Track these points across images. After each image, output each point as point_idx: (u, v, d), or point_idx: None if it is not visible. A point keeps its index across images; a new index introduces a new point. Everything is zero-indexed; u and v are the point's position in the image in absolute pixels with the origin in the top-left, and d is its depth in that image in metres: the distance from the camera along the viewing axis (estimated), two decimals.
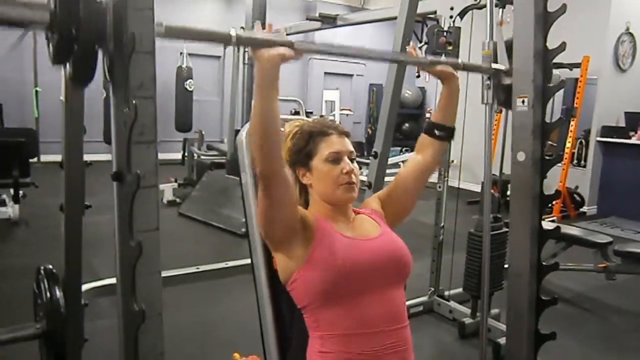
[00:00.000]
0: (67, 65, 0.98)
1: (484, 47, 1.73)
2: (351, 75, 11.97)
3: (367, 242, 1.34)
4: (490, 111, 1.89)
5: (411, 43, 1.53)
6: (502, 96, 1.74)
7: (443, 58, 1.53)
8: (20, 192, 5.00)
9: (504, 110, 3.95)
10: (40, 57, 8.32)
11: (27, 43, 8.47)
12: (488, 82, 1.71)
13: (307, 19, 5.33)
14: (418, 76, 6.14)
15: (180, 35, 1.04)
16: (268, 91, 1.14)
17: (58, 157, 1.87)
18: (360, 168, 1.51)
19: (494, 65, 1.67)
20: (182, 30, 1.04)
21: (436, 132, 1.52)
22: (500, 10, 3.22)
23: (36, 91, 8.24)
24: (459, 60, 1.52)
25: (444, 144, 1.55)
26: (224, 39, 1.04)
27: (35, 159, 6.06)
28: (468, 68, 1.54)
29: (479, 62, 1.73)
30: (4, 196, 5.44)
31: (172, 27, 1.00)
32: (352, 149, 1.41)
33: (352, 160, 1.39)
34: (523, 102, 1.61)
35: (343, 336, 1.25)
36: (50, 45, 0.97)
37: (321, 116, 8.33)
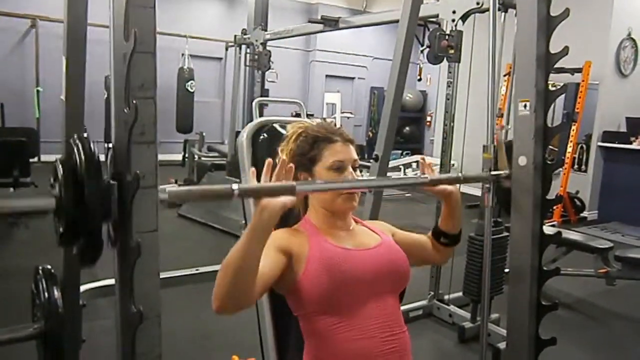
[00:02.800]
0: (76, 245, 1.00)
1: (484, 150, 1.74)
2: (352, 78, 11.97)
3: (364, 252, 1.32)
4: (489, 215, 1.90)
5: (425, 159, 1.52)
6: (502, 198, 1.75)
7: (443, 176, 1.54)
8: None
9: (504, 113, 3.94)
10: (41, 57, 8.34)
11: (29, 43, 8.48)
12: (488, 185, 1.72)
13: (309, 21, 5.32)
14: (419, 79, 6.15)
15: (184, 199, 1.04)
16: (259, 239, 1.06)
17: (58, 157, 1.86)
18: (362, 171, 1.50)
19: (493, 173, 1.67)
20: (185, 194, 1.04)
21: (442, 239, 1.52)
22: (503, 15, 3.22)
23: (37, 91, 8.24)
24: (459, 174, 1.52)
25: (449, 249, 1.55)
26: (227, 194, 1.03)
27: (35, 159, 6.05)
28: (468, 180, 1.55)
29: (479, 169, 1.74)
30: None
31: (174, 193, 1.00)
32: (356, 157, 1.38)
33: (355, 169, 1.37)
34: (525, 106, 1.60)
35: (338, 345, 1.24)
36: (60, 229, 0.98)
37: (323, 119, 8.32)
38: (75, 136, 0.99)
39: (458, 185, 1.52)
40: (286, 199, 1.07)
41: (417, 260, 1.52)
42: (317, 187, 1.31)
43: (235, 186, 1.03)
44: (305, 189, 1.23)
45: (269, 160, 1.10)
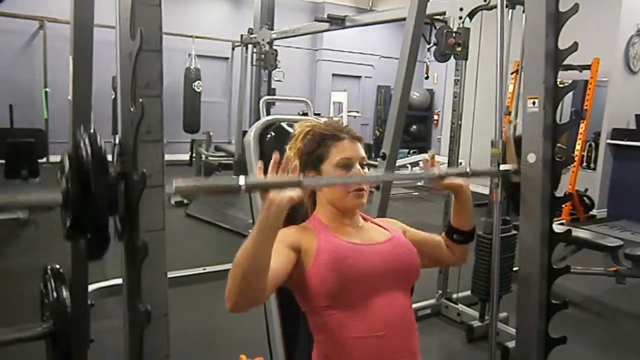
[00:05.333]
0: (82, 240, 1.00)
1: (492, 145, 1.72)
2: (359, 77, 11.95)
3: (372, 247, 1.32)
4: (498, 211, 1.88)
5: (430, 153, 1.51)
6: (511, 193, 1.73)
7: (451, 170, 1.52)
8: None
9: (512, 110, 3.91)
10: (49, 58, 8.38)
11: (37, 44, 8.53)
12: (496, 180, 1.70)
13: (315, 20, 5.32)
14: (427, 77, 6.13)
15: (191, 195, 1.04)
16: (268, 233, 1.06)
17: None
18: (369, 169, 1.50)
19: (502, 167, 1.65)
20: (192, 189, 1.04)
21: (455, 236, 1.50)
22: (510, 12, 3.20)
23: (45, 92, 8.28)
24: (467, 169, 1.50)
25: (464, 246, 1.53)
26: (233, 189, 1.02)
27: (44, 159, 6.09)
28: (476, 174, 1.53)
29: (487, 166, 1.72)
30: None
31: (182, 187, 1.00)
32: (363, 154, 1.38)
33: (363, 166, 1.36)
34: (534, 103, 1.59)
35: (348, 340, 1.23)
36: (67, 224, 0.98)
37: (330, 117, 8.31)
38: (82, 130, 0.99)
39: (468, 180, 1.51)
40: (293, 192, 1.07)
41: (430, 260, 1.50)
42: (324, 182, 1.31)
43: (242, 180, 1.02)
44: (312, 183, 1.23)
45: (275, 156, 1.10)
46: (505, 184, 1.73)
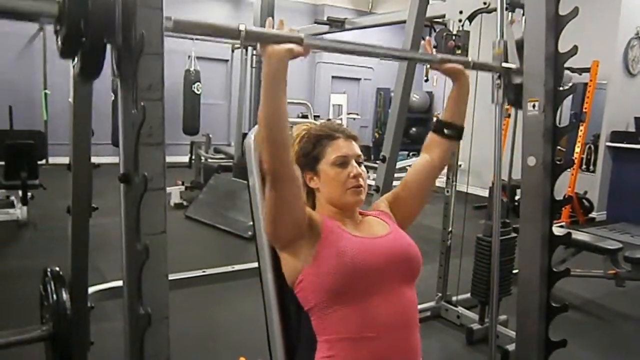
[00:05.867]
0: (75, 59, 0.98)
1: (494, 46, 1.70)
2: (359, 79, 11.95)
3: (376, 240, 1.33)
4: (500, 111, 1.87)
5: (427, 38, 1.52)
6: (512, 95, 1.72)
7: (453, 56, 1.52)
8: (29, 194, 5.02)
9: (512, 114, 3.92)
10: (49, 60, 8.39)
11: (37, 46, 8.53)
12: (498, 81, 1.69)
13: (315, 22, 5.33)
14: (426, 80, 6.13)
15: (188, 30, 1.05)
16: (275, 86, 1.15)
17: (66, 160, 1.87)
18: (368, 172, 1.50)
19: (504, 64, 1.64)
20: (190, 25, 1.06)
21: (445, 131, 1.52)
22: (510, 13, 3.21)
23: (45, 94, 8.29)
24: (469, 59, 1.51)
25: (453, 143, 1.54)
26: (232, 34, 1.05)
27: (43, 161, 6.09)
28: (478, 67, 1.53)
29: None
30: (12, 198, 5.47)
31: (180, 22, 1.02)
32: (359, 152, 1.40)
33: (359, 164, 1.38)
34: (534, 106, 1.59)
35: (351, 340, 1.23)
36: (59, 38, 0.97)
37: (328, 120, 8.31)
38: None
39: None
40: (293, 45, 1.14)
41: (423, 183, 1.51)
42: (325, 44, 1.32)
43: (242, 27, 1.05)
44: (314, 43, 1.25)
45: (281, 20, 1.21)
46: (506, 86, 1.69)
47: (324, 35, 9.11)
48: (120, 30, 0.95)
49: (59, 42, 0.97)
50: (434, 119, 11.84)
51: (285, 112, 1.18)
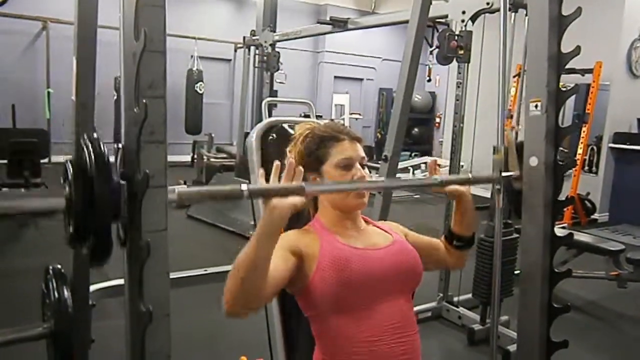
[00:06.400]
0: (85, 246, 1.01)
1: (494, 151, 1.72)
2: (361, 79, 11.96)
3: (376, 252, 1.32)
4: (499, 217, 1.88)
5: (433, 159, 1.52)
6: (513, 200, 1.73)
7: (453, 177, 1.53)
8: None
9: (515, 115, 3.92)
10: (52, 58, 8.40)
11: (40, 45, 8.55)
12: (498, 186, 1.70)
13: (318, 22, 5.33)
14: (429, 80, 6.14)
15: (193, 200, 1.06)
16: (269, 239, 1.07)
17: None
18: (370, 172, 1.50)
19: (504, 174, 1.66)
20: (195, 194, 1.06)
21: (455, 242, 1.50)
22: (513, 15, 3.20)
23: (48, 92, 8.30)
24: (469, 176, 1.51)
25: (464, 252, 1.53)
26: (236, 194, 1.04)
27: (46, 160, 6.10)
28: (478, 181, 1.55)
29: (489, 170, 1.72)
30: None
31: (184, 193, 1.02)
32: (363, 154, 1.38)
33: (363, 166, 1.37)
34: (536, 106, 1.59)
35: (349, 346, 1.23)
36: (71, 228, 0.99)
37: (331, 120, 8.31)
38: (86, 136, 0.99)
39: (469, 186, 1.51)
40: (296, 200, 1.08)
41: (432, 264, 1.51)
42: (326, 188, 1.31)
43: (244, 187, 1.03)
44: (314, 190, 1.23)
45: (277, 163, 1.11)
46: (507, 190, 1.73)
47: (325, 39, 9.15)
48: (126, 211, 1.00)
49: (69, 233, 1.00)
50: (437, 119, 11.85)
51: (268, 268, 1.09)
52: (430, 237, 1.54)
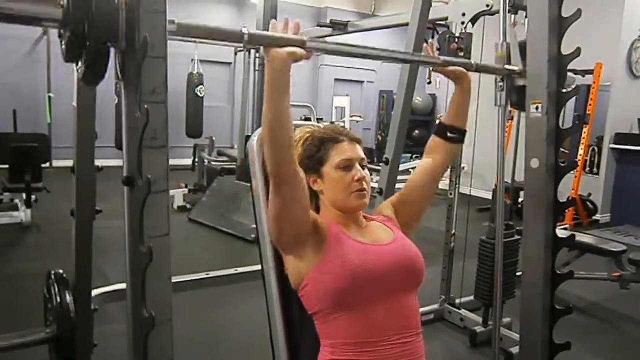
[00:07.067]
0: (80, 64, 0.98)
1: (497, 48, 1.71)
2: (362, 82, 11.96)
3: (380, 248, 1.32)
4: (503, 114, 1.87)
5: (429, 40, 1.52)
6: (515, 98, 1.72)
7: (456, 59, 1.52)
8: (33, 197, 5.04)
9: (515, 116, 3.92)
10: (53, 63, 8.42)
11: (41, 50, 8.57)
12: (501, 83, 1.69)
13: (318, 25, 5.33)
14: (429, 82, 6.14)
15: (192, 33, 1.06)
16: (279, 90, 1.15)
17: (70, 163, 1.87)
18: (371, 174, 1.50)
19: (507, 67, 1.64)
20: (194, 28, 1.07)
21: (449, 134, 1.51)
22: (513, 16, 3.21)
23: (49, 97, 8.31)
24: (472, 62, 1.51)
25: (456, 146, 1.54)
26: (235, 37, 1.05)
27: (47, 164, 6.11)
28: (481, 69, 1.53)
29: (492, 63, 1.70)
30: (17, 201, 5.49)
31: (183, 25, 1.02)
32: (363, 155, 1.40)
33: (363, 167, 1.38)
34: (537, 108, 1.59)
35: (354, 344, 1.23)
36: (63, 42, 0.97)
37: (332, 122, 8.32)
38: None
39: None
40: (296, 49, 1.15)
41: (427, 187, 1.51)
42: (328, 47, 1.32)
43: (245, 30, 1.05)
44: (316, 47, 1.25)
45: (286, 18, 1.21)
46: (509, 89, 1.69)
47: (327, 38, 9.14)
48: (124, 35, 0.95)
49: (63, 46, 0.97)
50: (437, 121, 11.85)
51: (288, 115, 1.18)
52: (411, 176, 1.55)
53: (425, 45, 1.52)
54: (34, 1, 0.96)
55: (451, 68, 1.48)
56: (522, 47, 1.65)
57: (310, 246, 1.27)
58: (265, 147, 1.21)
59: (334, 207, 1.38)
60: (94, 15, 0.91)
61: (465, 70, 1.49)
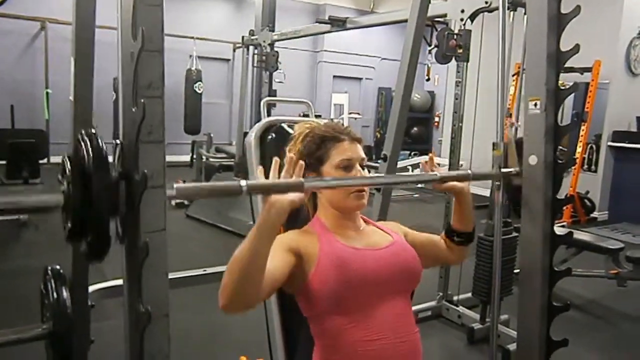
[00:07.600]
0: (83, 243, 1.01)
1: (494, 147, 1.72)
2: (360, 79, 11.96)
3: (375, 252, 1.31)
4: (499, 214, 1.88)
5: (429, 154, 1.51)
6: (512, 197, 1.73)
7: (453, 172, 1.53)
8: None
9: (514, 112, 3.92)
10: (51, 59, 8.39)
11: (39, 45, 8.54)
12: (498, 182, 1.70)
13: (316, 22, 5.32)
14: (428, 79, 6.15)
15: (192, 195, 1.05)
16: (267, 235, 1.06)
17: None
18: (370, 171, 1.50)
19: (503, 170, 1.66)
20: (192, 192, 1.06)
21: (456, 238, 1.50)
22: (512, 14, 3.20)
23: (47, 93, 8.29)
24: (469, 172, 1.51)
25: (463, 247, 1.52)
26: (235, 190, 1.03)
27: (45, 160, 6.09)
28: (478, 177, 1.54)
29: (488, 168, 1.71)
30: None
31: (182, 188, 1.02)
32: (363, 155, 1.38)
33: (363, 167, 1.36)
34: (535, 104, 1.58)
35: (349, 346, 1.23)
36: (67, 225, 0.99)
37: (331, 119, 8.31)
38: (83, 132, 0.99)
39: (468, 183, 1.51)
40: (295, 196, 1.07)
41: (432, 260, 1.50)
42: (325, 184, 1.31)
43: (243, 182, 1.03)
44: (314, 186, 1.22)
45: (276, 159, 1.10)
46: (506, 186, 1.73)
47: (324, 38, 9.15)
48: (124, 206, 0.99)
49: (67, 229, 0.99)
50: (436, 118, 11.85)
51: (265, 265, 1.07)
52: (429, 234, 1.54)
53: (422, 161, 1.51)
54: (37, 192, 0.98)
55: (449, 184, 1.45)
56: (519, 146, 1.66)
57: (300, 268, 1.25)
58: (227, 291, 1.06)
59: (332, 206, 1.36)
60: (93, 197, 0.95)
61: (462, 185, 1.46)
